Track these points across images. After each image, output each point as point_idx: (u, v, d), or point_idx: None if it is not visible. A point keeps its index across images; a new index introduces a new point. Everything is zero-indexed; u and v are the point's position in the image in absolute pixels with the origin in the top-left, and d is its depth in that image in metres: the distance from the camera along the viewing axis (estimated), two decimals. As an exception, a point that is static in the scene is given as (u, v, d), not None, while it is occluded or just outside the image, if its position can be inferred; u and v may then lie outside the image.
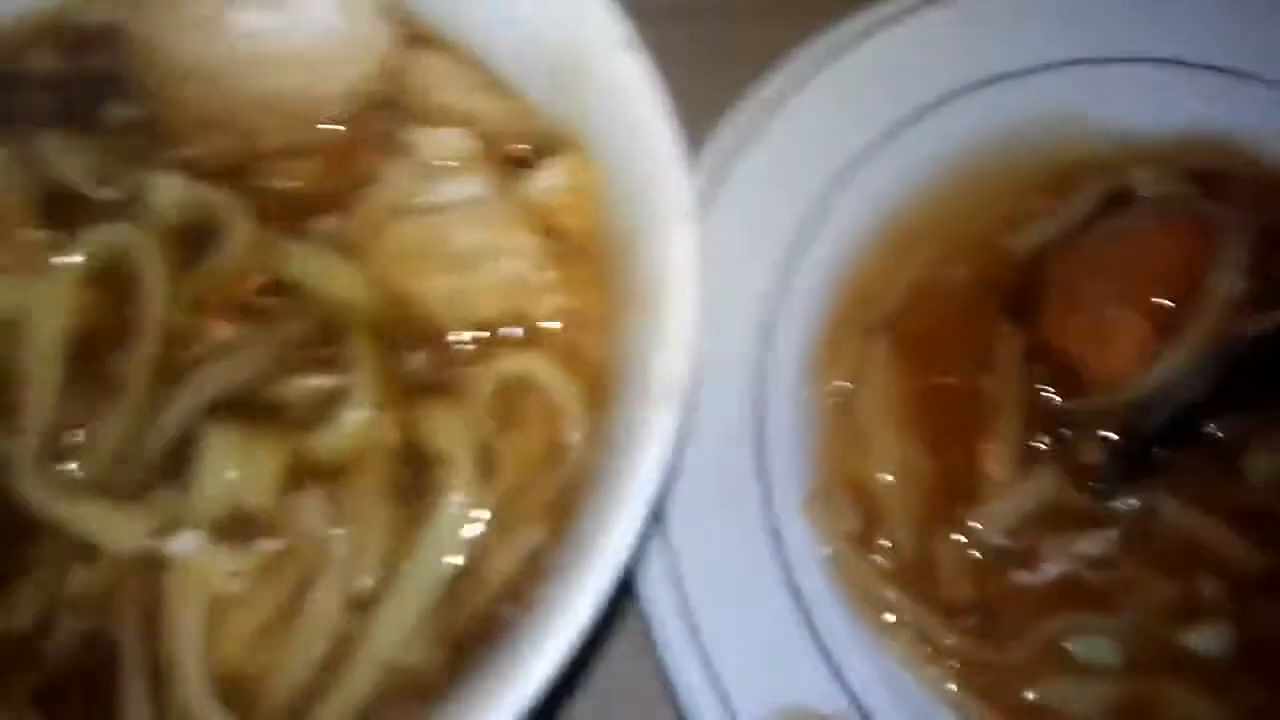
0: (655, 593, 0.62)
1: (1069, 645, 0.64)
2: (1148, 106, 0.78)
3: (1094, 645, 0.64)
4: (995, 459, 0.67)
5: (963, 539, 0.66)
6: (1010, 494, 0.66)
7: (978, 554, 0.66)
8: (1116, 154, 0.77)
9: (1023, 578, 0.66)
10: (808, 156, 0.74)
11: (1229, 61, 0.78)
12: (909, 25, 0.77)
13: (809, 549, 0.65)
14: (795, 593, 0.64)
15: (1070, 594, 0.65)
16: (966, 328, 0.71)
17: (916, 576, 0.65)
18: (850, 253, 0.72)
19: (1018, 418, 0.67)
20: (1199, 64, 0.78)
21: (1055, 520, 0.66)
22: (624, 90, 0.52)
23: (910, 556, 0.66)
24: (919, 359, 0.70)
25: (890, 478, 0.67)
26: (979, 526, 0.66)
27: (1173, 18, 0.80)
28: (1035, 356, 0.68)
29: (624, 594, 0.63)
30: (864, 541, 0.66)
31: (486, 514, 0.52)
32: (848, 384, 0.70)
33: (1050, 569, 0.66)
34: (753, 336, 0.70)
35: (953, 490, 0.67)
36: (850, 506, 0.67)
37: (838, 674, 0.62)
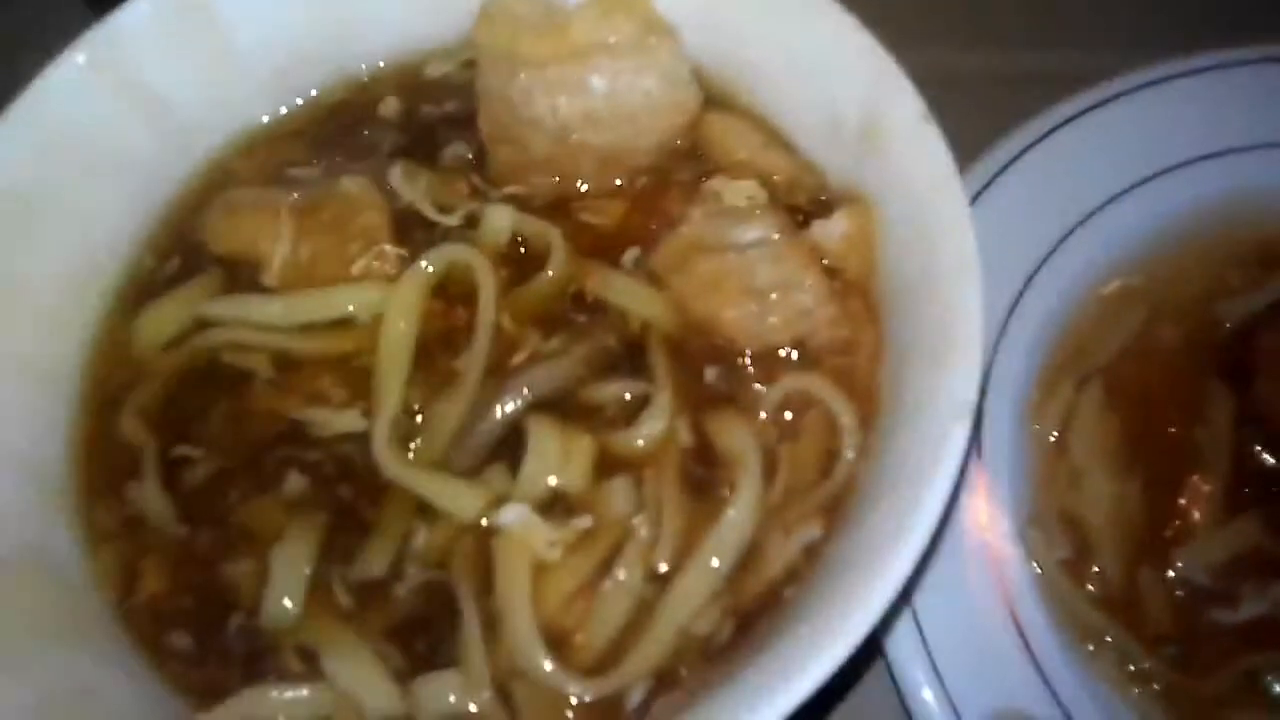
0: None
1: (1266, 680, 0.69)
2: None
3: (1289, 682, 0.69)
4: (1203, 505, 0.73)
5: (1168, 575, 0.72)
6: (1216, 538, 0.72)
7: (1180, 591, 0.72)
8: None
9: (1222, 615, 0.71)
10: (1040, 209, 0.81)
11: None
12: (1151, 95, 0.84)
13: (1023, 569, 0.72)
14: (1011, 607, 0.71)
15: (1265, 634, 0.71)
16: (1176, 383, 0.77)
17: (1122, 605, 0.72)
18: (1070, 304, 0.79)
19: (1227, 468, 0.73)
20: None
21: (1256, 566, 0.72)
22: (918, 156, 0.60)
23: (1117, 587, 0.72)
24: (1131, 408, 0.76)
25: (1101, 515, 0.73)
26: (1184, 565, 0.72)
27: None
28: (1247, 416, 0.74)
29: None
30: (1074, 569, 0.72)
31: (769, 509, 0.61)
32: (1059, 427, 0.77)
33: (1248, 610, 0.71)
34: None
35: (1160, 531, 0.73)
36: (1063, 535, 0.73)
37: (1048, 685, 0.68)
